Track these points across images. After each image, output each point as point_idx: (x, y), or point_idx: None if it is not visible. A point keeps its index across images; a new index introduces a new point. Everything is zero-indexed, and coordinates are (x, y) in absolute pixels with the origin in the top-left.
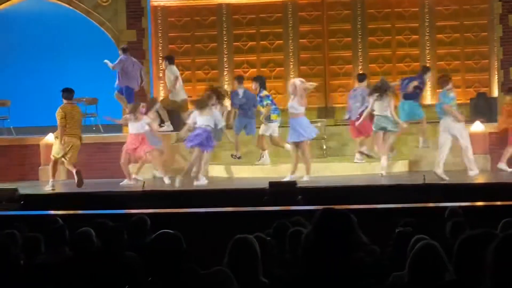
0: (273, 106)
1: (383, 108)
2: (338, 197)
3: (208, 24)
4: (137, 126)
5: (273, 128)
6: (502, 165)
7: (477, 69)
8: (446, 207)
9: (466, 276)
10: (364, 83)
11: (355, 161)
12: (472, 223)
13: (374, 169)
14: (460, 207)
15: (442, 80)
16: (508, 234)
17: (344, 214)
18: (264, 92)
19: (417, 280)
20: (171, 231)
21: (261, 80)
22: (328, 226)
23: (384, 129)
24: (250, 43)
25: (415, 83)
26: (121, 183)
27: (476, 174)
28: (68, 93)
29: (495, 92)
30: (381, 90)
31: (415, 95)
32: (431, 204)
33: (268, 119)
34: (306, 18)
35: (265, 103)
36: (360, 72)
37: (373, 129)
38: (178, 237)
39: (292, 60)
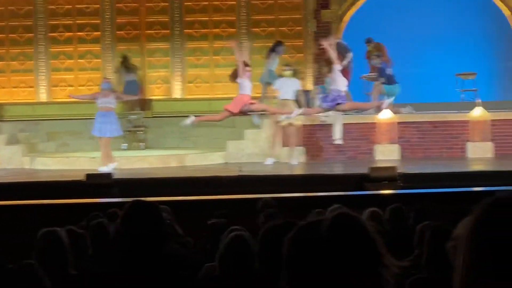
0: None
1: None
2: (155, 189)
3: (24, 14)
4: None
5: None
6: None
7: (293, 63)
8: (260, 198)
9: (270, 267)
10: None
11: None
12: (286, 214)
13: (192, 161)
14: (274, 198)
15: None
16: (304, 223)
17: (153, 205)
18: None
19: (227, 271)
20: None
21: None
22: (137, 218)
23: None
24: (67, 34)
25: None
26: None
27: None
28: None
29: (310, 85)
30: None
31: None
32: (246, 196)
33: None
34: (123, 10)
35: None
36: None
37: None
38: None
39: (109, 52)
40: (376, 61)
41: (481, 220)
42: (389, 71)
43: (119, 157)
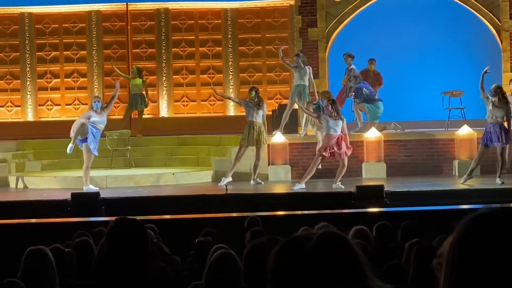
0: None
1: None
2: (141, 208)
3: (10, 33)
4: (340, 125)
5: None
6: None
7: (279, 81)
8: (246, 217)
9: (255, 284)
10: None
11: None
12: (272, 231)
13: (178, 180)
14: (260, 216)
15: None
16: (289, 239)
17: (137, 223)
18: None
19: None
20: None
21: None
22: (121, 235)
23: None
24: (54, 53)
25: None
26: (295, 187)
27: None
28: None
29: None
30: None
31: None
32: (233, 214)
33: None
34: (109, 29)
35: None
36: None
37: None
38: None
39: (96, 71)
40: (352, 83)
41: (462, 237)
42: (366, 90)
43: (105, 176)
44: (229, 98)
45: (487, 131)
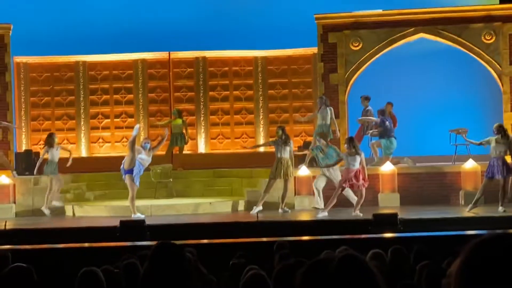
0: None
1: None
2: (182, 233)
3: (67, 79)
4: (358, 160)
5: None
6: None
7: (303, 121)
8: (275, 241)
9: None
10: None
11: None
12: (298, 254)
13: (214, 208)
14: (288, 240)
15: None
16: (314, 261)
17: (177, 246)
18: None
19: None
20: (23, 265)
21: None
22: (162, 257)
23: None
24: (105, 96)
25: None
26: (318, 215)
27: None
28: None
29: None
30: None
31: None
32: (263, 239)
33: None
34: (154, 75)
35: None
36: None
37: None
38: (29, 270)
39: (142, 112)
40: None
41: (468, 259)
42: (388, 125)
43: (150, 205)
44: (260, 145)
45: (490, 164)
